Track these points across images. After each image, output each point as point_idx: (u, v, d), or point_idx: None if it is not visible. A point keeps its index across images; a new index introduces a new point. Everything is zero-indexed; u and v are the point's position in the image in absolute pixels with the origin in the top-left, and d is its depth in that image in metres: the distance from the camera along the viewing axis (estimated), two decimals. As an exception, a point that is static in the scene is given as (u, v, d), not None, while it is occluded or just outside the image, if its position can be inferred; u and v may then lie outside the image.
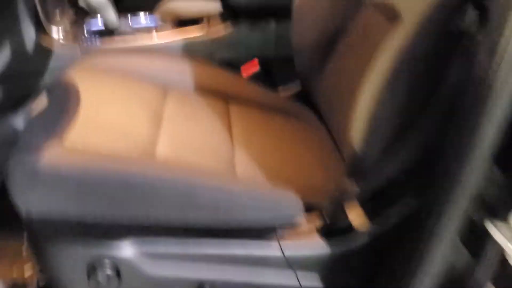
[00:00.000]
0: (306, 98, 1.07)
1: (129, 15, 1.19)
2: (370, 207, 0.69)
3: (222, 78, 1.03)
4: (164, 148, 0.74)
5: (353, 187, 0.64)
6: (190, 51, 1.12)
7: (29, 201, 0.64)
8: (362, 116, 0.60)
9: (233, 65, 1.14)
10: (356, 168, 0.64)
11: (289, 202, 0.68)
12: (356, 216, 0.69)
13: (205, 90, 0.99)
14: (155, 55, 1.00)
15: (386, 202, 0.68)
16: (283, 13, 1.09)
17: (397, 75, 0.56)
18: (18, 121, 1.04)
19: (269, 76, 1.18)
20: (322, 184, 0.73)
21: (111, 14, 1.09)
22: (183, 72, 0.99)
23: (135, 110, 0.82)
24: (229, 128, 0.88)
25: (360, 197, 0.67)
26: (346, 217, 0.68)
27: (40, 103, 0.80)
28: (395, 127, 0.57)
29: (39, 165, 0.64)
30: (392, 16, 0.71)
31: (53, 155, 0.66)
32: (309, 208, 0.68)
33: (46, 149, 0.66)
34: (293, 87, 1.19)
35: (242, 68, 1.16)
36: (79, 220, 0.65)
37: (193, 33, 1.14)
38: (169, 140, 0.77)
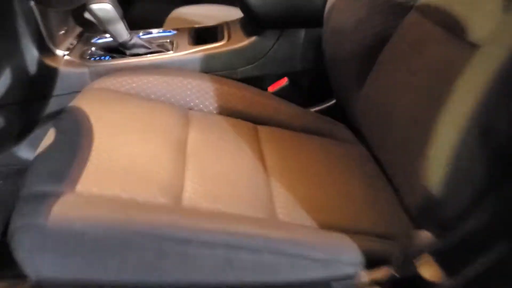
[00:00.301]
0: (339, 113, 0.96)
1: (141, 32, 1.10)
2: (445, 255, 0.57)
3: (247, 96, 0.92)
4: (192, 190, 0.64)
5: (427, 238, 0.53)
6: (209, 65, 1.01)
7: (39, 266, 0.54)
8: (442, 154, 0.49)
9: (257, 80, 1.03)
10: (433, 216, 0.52)
11: (346, 253, 0.57)
12: (428, 268, 0.57)
13: (229, 111, 0.88)
14: (173, 73, 0.90)
15: (465, 250, 0.56)
16: (312, 21, 0.98)
17: (493, 107, 0.44)
18: (23, 152, 0.93)
19: (297, 91, 1.07)
20: (382, 229, 0.62)
21: (121, 27, 0.98)
22: (204, 92, 0.89)
23: (156, 142, 0.71)
24: (261, 157, 0.77)
25: (434, 248, 0.56)
26: (417, 270, 0.57)
27: (47, 137, 0.70)
28: (491, 169, 0.46)
29: (49, 220, 0.53)
30: (452, 27, 0.60)
31: (64, 206, 0.56)
32: (369, 261, 0.57)
33: (56, 198, 0.56)
34: (325, 103, 1.08)
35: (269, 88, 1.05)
36: (99, 286, 0.55)
37: (212, 45, 1.03)
38: (196, 180, 0.66)
